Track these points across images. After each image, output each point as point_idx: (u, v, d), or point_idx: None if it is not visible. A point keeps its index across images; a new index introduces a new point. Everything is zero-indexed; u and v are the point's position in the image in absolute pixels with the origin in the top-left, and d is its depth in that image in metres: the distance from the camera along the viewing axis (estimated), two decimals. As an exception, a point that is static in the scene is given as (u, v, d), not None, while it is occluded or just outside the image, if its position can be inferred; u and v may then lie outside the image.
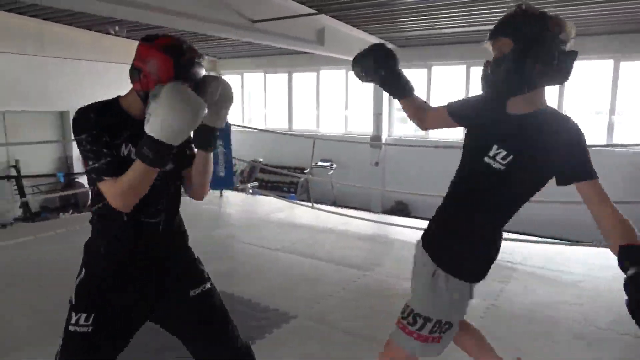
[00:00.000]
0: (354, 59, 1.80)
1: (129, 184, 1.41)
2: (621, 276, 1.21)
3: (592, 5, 6.02)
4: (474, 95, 1.66)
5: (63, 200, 8.81)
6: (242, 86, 12.15)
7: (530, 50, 1.38)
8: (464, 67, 9.07)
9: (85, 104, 1.51)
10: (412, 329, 1.54)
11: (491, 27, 1.48)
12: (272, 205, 6.54)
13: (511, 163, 1.43)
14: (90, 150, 1.44)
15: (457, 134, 9.34)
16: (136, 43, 1.50)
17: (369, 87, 9.93)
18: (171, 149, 1.38)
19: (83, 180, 8.35)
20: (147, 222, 1.55)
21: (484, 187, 1.52)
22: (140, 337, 1.63)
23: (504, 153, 1.44)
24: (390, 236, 5.21)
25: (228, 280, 3.69)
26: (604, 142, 7.88)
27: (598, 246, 4.31)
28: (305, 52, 9.26)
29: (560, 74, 1.41)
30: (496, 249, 1.61)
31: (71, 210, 8.58)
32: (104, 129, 1.45)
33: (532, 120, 1.44)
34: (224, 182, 6.62)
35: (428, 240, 1.65)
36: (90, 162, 1.44)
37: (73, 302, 1.52)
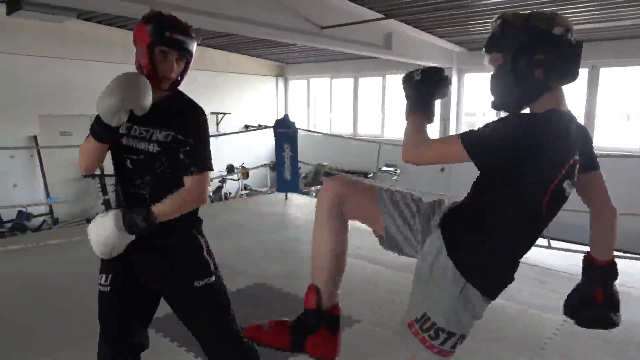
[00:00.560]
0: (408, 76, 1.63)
1: (83, 149, 1.63)
2: None
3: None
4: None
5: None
6: (309, 91, 12.34)
7: (522, 58, 1.31)
8: (539, 70, 8.65)
9: None
10: (433, 342, 1.43)
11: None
12: (335, 209, 6.57)
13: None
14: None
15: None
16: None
17: (436, 91, 9.76)
18: (109, 127, 1.50)
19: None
20: (135, 192, 1.66)
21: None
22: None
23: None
24: (456, 245, 5.08)
25: (291, 281, 3.77)
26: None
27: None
28: (371, 57, 9.26)
29: (566, 70, 1.33)
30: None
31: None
32: None
33: None
34: (290, 185, 6.77)
35: (457, 250, 1.42)
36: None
37: (100, 263, 1.70)
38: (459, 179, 9.43)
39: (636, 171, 7.11)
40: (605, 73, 8.02)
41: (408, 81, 1.58)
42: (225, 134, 8.77)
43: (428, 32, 7.96)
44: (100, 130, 1.52)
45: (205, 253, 1.75)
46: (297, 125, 6.65)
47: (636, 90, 7.91)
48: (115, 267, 1.65)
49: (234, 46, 10.10)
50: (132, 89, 1.49)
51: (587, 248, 1.56)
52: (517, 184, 1.32)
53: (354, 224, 1.61)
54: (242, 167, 9.87)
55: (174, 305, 1.74)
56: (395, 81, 10.73)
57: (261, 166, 9.80)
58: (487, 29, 1.45)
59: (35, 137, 8.07)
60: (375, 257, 4.46)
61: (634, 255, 4.51)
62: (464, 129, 9.94)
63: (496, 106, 1.45)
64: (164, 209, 1.58)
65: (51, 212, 8.08)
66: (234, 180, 10.34)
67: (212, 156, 1.69)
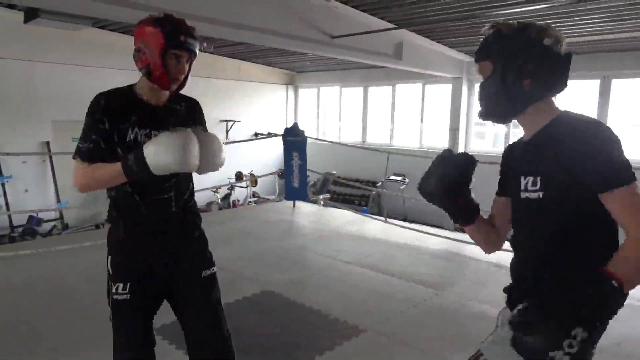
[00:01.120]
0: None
1: (99, 177, 1.56)
2: None
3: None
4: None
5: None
6: (318, 99, 12.39)
7: (512, 67, 1.29)
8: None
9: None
10: None
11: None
12: (344, 218, 6.57)
13: (544, 187, 1.29)
14: (84, 130, 1.60)
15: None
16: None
17: (446, 101, 9.74)
18: (151, 176, 1.49)
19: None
20: (159, 198, 1.66)
21: (533, 222, 1.37)
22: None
23: (531, 179, 1.32)
24: (465, 255, 5.03)
25: (299, 290, 3.76)
26: None
27: None
28: (381, 66, 9.28)
29: (554, 81, 1.31)
30: None
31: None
32: (110, 114, 1.60)
33: (543, 136, 1.33)
34: (298, 193, 6.78)
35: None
36: (79, 140, 1.60)
37: (109, 271, 1.70)
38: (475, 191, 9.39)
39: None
40: (617, 84, 7.96)
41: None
42: (234, 142, 8.80)
43: (439, 42, 7.97)
44: (140, 173, 1.50)
45: (208, 247, 1.86)
46: (306, 134, 6.67)
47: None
48: (132, 276, 1.68)
49: (245, 54, 10.18)
50: (190, 154, 1.50)
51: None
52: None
53: (362, 233, 1.60)
54: (251, 174, 9.91)
55: (182, 293, 1.77)
56: (404, 90, 10.74)
57: (270, 174, 9.83)
58: None
59: (47, 143, 8.16)
60: (385, 267, 4.44)
61: None
62: (474, 139, 9.90)
63: (484, 115, 1.43)
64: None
65: (61, 217, 8.15)
66: (242, 187, 10.37)
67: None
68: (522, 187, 1.35)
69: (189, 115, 1.76)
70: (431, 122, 10.40)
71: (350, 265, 4.49)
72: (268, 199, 10.27)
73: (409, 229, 5.81)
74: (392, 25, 6.55)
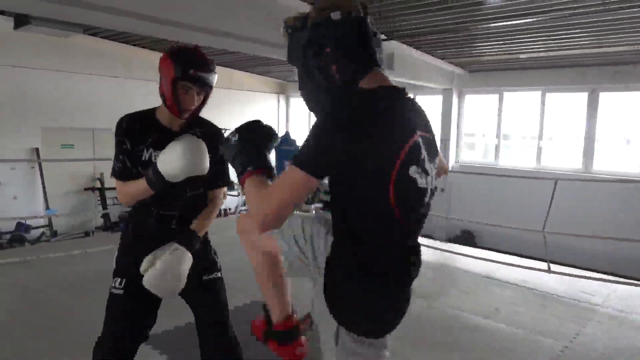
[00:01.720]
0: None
1: (132, 193, 1.75)
2: None
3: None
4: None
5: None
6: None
7: (311, 59, 1.16)
8: (539, 93, 8.73)
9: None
10: None
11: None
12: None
13: None
14: (115, 151, 1.78)
15: (530, 162, 8.98)
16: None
17: (437, 113, 9.82)
18: (167, 183, 1.65)
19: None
20: (165, 214, 1.82)
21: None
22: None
23: None
24: (455, 266, 5.05)
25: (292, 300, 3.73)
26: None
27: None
28: (373, 77, 9.34)
29: (360, 53, 1.15)
30: None
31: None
32: (130, 136, 1.76)
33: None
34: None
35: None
36: (113, 160, 1.79)
37: (114, 268, 1.83)
38: (459, 200, 9.46)
39: (636, 195, 7.12)
40: (605, 97, 8.09)
41: (229, 148, 1.30)
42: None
43: (429, 54, 8.05)
44: (159, 184, 1.66)
45: (212, 253, 1.98)
46: (297, 143, 6.67)
47: (636, 115, 7.97)
48: (130, 273, 1.77)
49: (237, 63, 10.20)
50: (197, 158, 1.65)
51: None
52: (358, 184, 1.09)
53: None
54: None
55: (185, 297, 1.87)
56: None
57: (261, 183, 9.79)
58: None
59: (37, 150, 8.08)
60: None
61: (635, 282, 4.48)
62: (464, 150, 9.99)
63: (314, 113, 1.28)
64: (201, 227, 1.83)
65: (50, 224, 8.05)
66: (233, 196, 10.32)
67: None
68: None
69: (207, 142, 1.74)
70: (422, 133, 10.47)
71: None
72: (259, 208, 10.21)
73: (400, 239, 5.81)
74: (383, 37, 6.61)
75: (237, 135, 1.28)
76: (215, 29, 4.80)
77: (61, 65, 8.14)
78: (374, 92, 1.14)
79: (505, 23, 5.74)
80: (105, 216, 8.75)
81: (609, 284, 4.34)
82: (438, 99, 9.81)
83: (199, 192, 1.86)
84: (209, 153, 1.72)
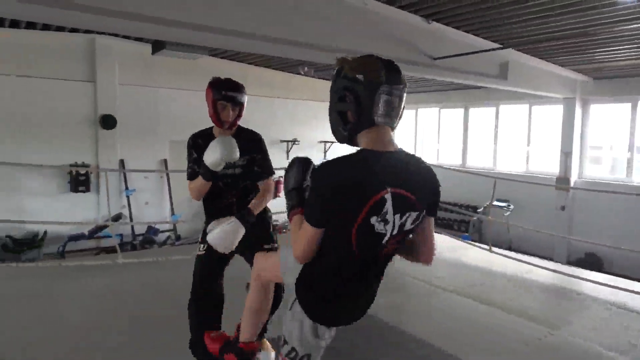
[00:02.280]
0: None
1: (196, 188, 2.39)
2: None
3: None
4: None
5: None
6: (416, 121, 12.23)
7: (337, 97, 1.51)
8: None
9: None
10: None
11: None
12: (444, 244, 6.36)
13: None
14: (187, 160, 2.47)
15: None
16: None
17: (557, 123, 9.10)
18: (214, 172, 2.28)
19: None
20: (225, 202, 2.48)
21: None
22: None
23: None
24: (581, 292, 4.59)
25: (399, 316, 3.70)
26: None
27: None
28: (483, 87, 8.95)
29: (368, 108, 1.45)
30: None
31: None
32: (196, 147, 2.45)
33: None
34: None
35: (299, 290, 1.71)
36: (187, 166, 2.46)
37: (199, 240, 2.53)
38: (582, 219, 8.62)
39: None
40: None
41: (287, 178, 1.70)
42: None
43: (548, 61, 7.51)
44: (208, 175, 2.30)
45: (271, 229, 2.59)
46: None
47: None
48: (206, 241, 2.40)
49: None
50: (228, 149, 2.24)
51: None
52: (330, 226, 1.46)
53: (464, 260, 1.57)
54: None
55: (249, 258, 2.46)
56: (509, 111, 10.24)
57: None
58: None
59: (165, 161, 8.98)
60: (489, 298, 4.21)
61: None
62: (588, 163, 9.13)
63: (336, 138, 1.61)
64: (256, 207, 2.42)
65: (175, 229, 8.86)
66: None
67: None
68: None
69: (246, 146, 2.41)
70: (539, 145, 9.77)
71: (452, 294, 4.32)
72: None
73: (517, 260, 5.45)
74: (497, 45, 6.31)
75: (293, 169, 1.68)
76: (330, 45, 4.96)
77: (188, 85, 8.99)
78: (357, 157, 1.47)
79: (635, 25, 5.16)
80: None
81: None
82: (558, 108, 9.10)
83: (248, 185, 2.50)
84: (253, 153, 2.48)
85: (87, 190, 8.08)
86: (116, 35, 7.77)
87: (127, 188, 8.49)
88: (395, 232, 1.47)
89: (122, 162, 8.43)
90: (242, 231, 2.31)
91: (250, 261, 2.43)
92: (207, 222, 2.49)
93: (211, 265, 2.51)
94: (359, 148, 1.52)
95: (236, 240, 2.30)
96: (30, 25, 7.06)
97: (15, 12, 4.08)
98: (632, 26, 5.26)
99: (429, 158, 12.24)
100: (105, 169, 7.45)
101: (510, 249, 7.44)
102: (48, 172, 7.78)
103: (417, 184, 1.51)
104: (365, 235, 1.43)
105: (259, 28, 4.34)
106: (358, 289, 1.61)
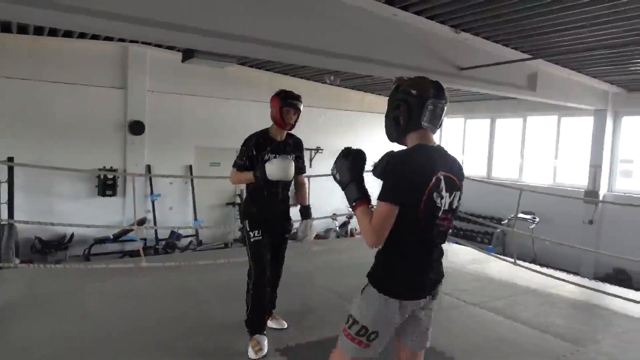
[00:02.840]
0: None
1: (241, 179, 3.09)
2: None
3: None
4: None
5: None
6: (441, 131, 12.08)
7: (393, 108, 1.92)
8: None
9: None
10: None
11: None
12: (467, 255, 6.27)
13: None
14: (240, 152, 3.07)
15: None
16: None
17: (586, 135, 8.90)
18: (267, 181, 2.92)
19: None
20: (273, 192, 3.10)
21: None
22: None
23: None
24: (609, 308, 4.45)
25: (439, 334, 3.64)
26: None
27: None
28: (510, 98, 8.83)
29: (417, 117, 1.85)
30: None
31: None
32: (254, 147, 3.02)
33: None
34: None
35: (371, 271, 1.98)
36: (237, 157, 3.08)
37: (248, 228, 3.06)
38: (611, 234, 8.37)
39: None
40: None
41: (340, 169, 1.96)
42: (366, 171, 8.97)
43: (578, 72, 7.37)
44: (260, 180, 2.95)
45: (291, 222, 3.28)
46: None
47: None
48: (260, 226, 3.05)
49: (368, 87, 10.44)
50: (288, 171, 2.93)
51: None
52: (404, 204, 1.77)
53: (487, 273, 1.52)
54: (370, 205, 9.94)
55: (277, 247, 3.24)
56: (537, 123, 10.07)
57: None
58: None
59: (190, 167, 9.12)
60: (514, 313, 4.12)
61: None
62: (618, 177, 8.88)
63: (388, 137, 2.00)
64: (305, 198, 3.32)
65: (197, 234, 8.97)
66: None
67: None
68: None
69: (294, 147, 3.21)
70: (567, 158, 9.56)
71: (476, 307, 4.24)
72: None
73: (540, 273, 5.33)
74: (526, 56, 6.23)
75: (349, 159, 1.92)
76: (355, 55, 4.99)
77: (214, 92, 9.15)
78: (418, 149, 1.85)
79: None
80: (242, 229, 9.47)
81: None
82: (588, 120, 8.91)
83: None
84: (295, 153, 3.17)
85: (114, 194, 8.27)
86: (149, 43, 7.97)
87: (152, 193, 8.65)
88: (446, 207, 1.83)
89: (148, 167, 8.61)
90: (292, 167, 2.98)
91: (274, 247, 3.18)
92: (253, 210, 3.07)
93: (265, 248, 3.06)
94: (406, 146, 1.90)
95: (290, 171, 2.94)
96: (67, 34, 7.31)
97: (55, 22, 4.24)
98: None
99: (453, 169, 12.16)
100: (133, 173, 7.60)
101: (534, 262, 7.27)
102: (77, 176, 8.00)
103: (457, 169, 1.90)
104: (429, 206, 1.78)
105: (292, 38, 4.42)
106: (424, 263, 1.88)
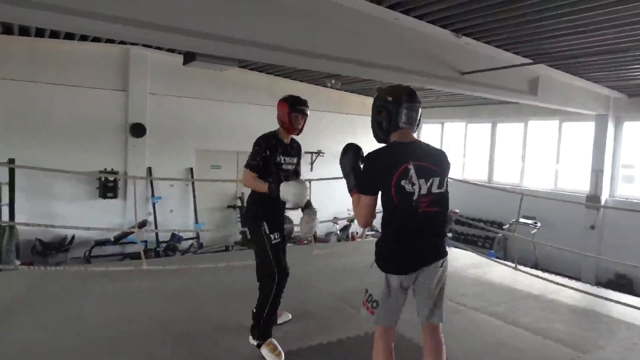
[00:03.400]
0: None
1: (255, 185, 3.07)
2: None
3: None
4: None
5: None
6: (442, 135, 12.12)
7: (375, 113, 2.29)
8: None
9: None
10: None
11: None
12: (467, 260, 6.25)
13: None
14: (253, 153, 3.08)
15: None
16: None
17: (588, 140, 8.88)
18: (279, 196, 2.95)
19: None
20: (279, 201, 3.06)
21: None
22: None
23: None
24: (611, 315, 4.42)
25: (420, 332, 3.62)
26: None
27: None
28: (511, 102, 8.82)
29: (395, 119, 2.21)
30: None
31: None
32: (267, 148, 3.09)
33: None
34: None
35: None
36: (249, 158, 3.08)
37: (267, 231, 3.08)
38: (613, 239, 8.34)
39: None
40: None
41: (343, 163, 2.40)
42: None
43: (580, 77, 7.37)
44: (275, 194, 2.97)
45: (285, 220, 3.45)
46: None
47: None
48: (277, 228, 3.15)
49: (369, 91, 10.44)
50: (302, 198, 2.99)
51: None
52: (378, 192, 2.17)
53: (488, 278, 1.51)
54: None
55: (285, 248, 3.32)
56: (538, 128, 10.06)
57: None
58: None
59: (191, 169, 9.12)
60: (515, 318, 4.10)
61: None
62: (619, 182, 8.87)
63: (375, 139, 2.35)
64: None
65: (197, 237, 8.96)
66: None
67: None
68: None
69: (297, 151, 3.35)
70: (568, 163, 9.55)
71: (477, 312, 4.22)
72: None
73: (541, 278, 5.31)
74: (528, 61, 6.23)
75: (347, 153, 2.37)
76: (356, 58, 4.98)
77: (215, 95, 9.16)
78: (389, 146, 2.24)
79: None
80: (244, 233, 9.46)
81: None
82: (589, 125, 8.90)
83: (294, 176, 3.28)
84: (298, 157, 3.33)
85: (115, 196, 8.27)
86: (150, 46, 7.99)
87: (153, 195, 8.65)
88: (424, 192, 2.11)
89: (149, 169, 8.61)
90: (307, 191, 3.07)
91: (285, 248, 3.32)
92: (262, 210, 3.13)
93: (283, 250, 3.21)
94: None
95: (305, 198, 3.01)
96: (69, 36, 7.33)
97: (56, 24, 4.23)
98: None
99: (454, 172, 12.15)
100: (134, 176, 7.60)
101: (536, 267, 7.25)
102: (78, 178, 8.00)
103: (435, 157, 2.22)
104: (400, 193, 2.09)
105: (293, 42, 4.41)
106: (412, 240, 2.16)
